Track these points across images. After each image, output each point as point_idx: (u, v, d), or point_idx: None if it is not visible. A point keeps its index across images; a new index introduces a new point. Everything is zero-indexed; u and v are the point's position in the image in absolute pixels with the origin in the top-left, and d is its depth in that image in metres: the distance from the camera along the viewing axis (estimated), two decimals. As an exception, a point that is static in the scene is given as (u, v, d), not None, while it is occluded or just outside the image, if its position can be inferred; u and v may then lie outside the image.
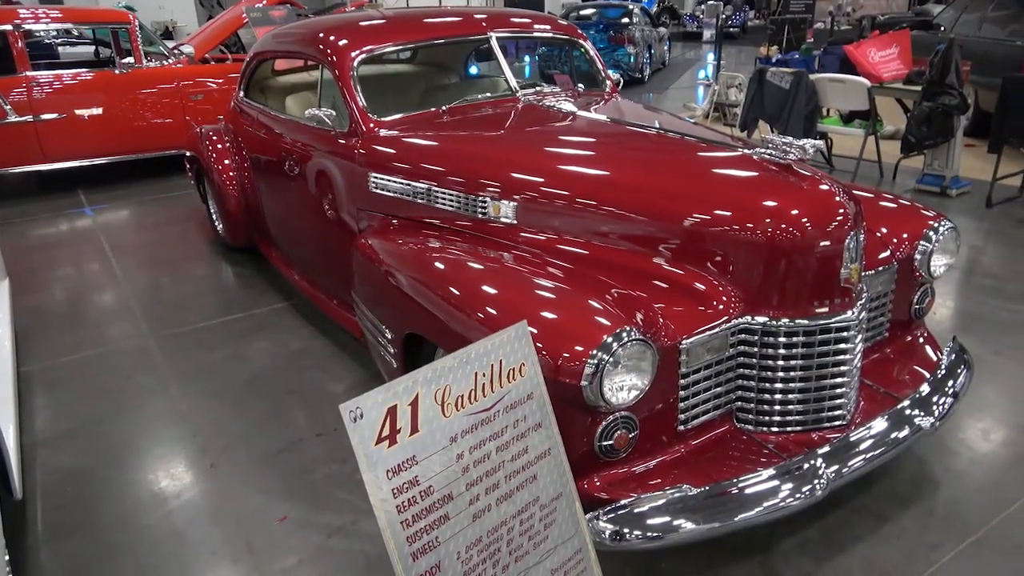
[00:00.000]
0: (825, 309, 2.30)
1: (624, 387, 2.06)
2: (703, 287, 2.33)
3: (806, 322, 2.29)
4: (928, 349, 2.89)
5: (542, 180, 2.72)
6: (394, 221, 3.15)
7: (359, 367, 3.47)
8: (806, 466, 2.20)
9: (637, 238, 2.47)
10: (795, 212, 2.27)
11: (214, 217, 5.21)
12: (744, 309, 2.30)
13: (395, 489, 1.64)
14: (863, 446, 2.32)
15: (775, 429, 2.40)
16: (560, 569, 1.94)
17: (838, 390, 2.38)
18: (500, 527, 1.82)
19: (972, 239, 5.19)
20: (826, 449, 2.28)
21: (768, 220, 2.27)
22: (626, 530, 2.04)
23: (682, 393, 2.25)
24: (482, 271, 2.49)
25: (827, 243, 2.25)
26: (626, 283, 2.32)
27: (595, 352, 2.00)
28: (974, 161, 6.65)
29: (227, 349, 3.80)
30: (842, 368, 2.36)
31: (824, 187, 2.33)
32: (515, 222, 2.74)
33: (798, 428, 2.41)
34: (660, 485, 2.17)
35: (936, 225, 2.79)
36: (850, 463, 2.26)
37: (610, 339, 2.02)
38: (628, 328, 2.06)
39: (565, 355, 2.02)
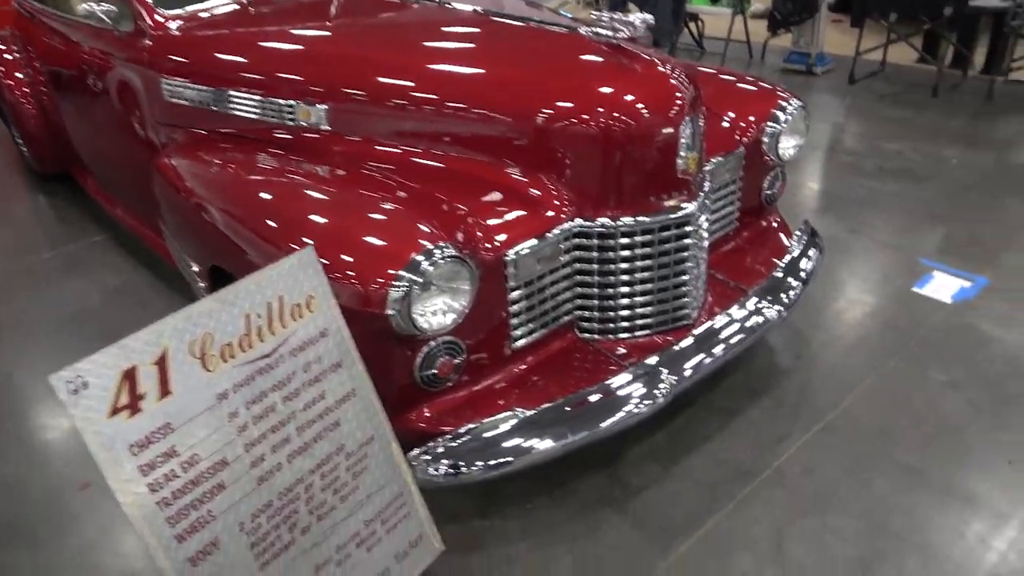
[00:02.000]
0: (663, 204, 2.11)
1: (439, 311, 1.83)
2: (529, 190, 2.09)
3: (643, 219, 2.09)
4: (781, 235, 2.79)
5: (351, 77, 2.36)
6: (197, 136, 2.73)
7: (186, 301, 3.10)
8: (647, 373, 2.07)
9: (457, 139, 2.19)
10: (622, 98, 2.03)
11: (18, 141, 4.54)
12: (576, 211, 2.08)
13: (144, 466, 1.36)
14: (709, 344, 2.20)
15: (620, 336, 2.25)
16: (376, 519, 1.74)
17: (682, 288, 2.23)
18: (295, 486, 1.59)
19: (834, 117, 5.17)
20: (669, 352, 2.15)
21: (593, 108, 2.02)
22: (455, 464, 1.85)
23: (513, 308, 2.04)
24: (281, 190, 2.16)
25: (659, 131, 2.03)
26: (446, 192, 2.05)
27: (401, 274, 1.74)
28: (839, 37, 6.62)
29: (36, 292, 3.34)
30: (685, 265, 2.21)
31: (655, 69, 2.09)
32: (328, 128, 2.39)
33: (643, 333, 2.26)
34: (494, 410, 1.99)
35: (784, 105, 2.62)
36: (694, 364, 2.14)
37: (419, 258, 1.77)
38: (440, 244, 1.80)
39: (366, 281, 1.75)
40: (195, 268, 2.48)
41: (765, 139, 2.59)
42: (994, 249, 3.35)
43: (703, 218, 2.28)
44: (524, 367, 2.13)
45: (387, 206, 1.98)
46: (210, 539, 1.46)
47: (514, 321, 2.06)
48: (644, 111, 2.02)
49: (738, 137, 2.54)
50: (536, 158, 2.11)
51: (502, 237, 1.97)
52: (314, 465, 1.63)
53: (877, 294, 3.06)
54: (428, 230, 1.85)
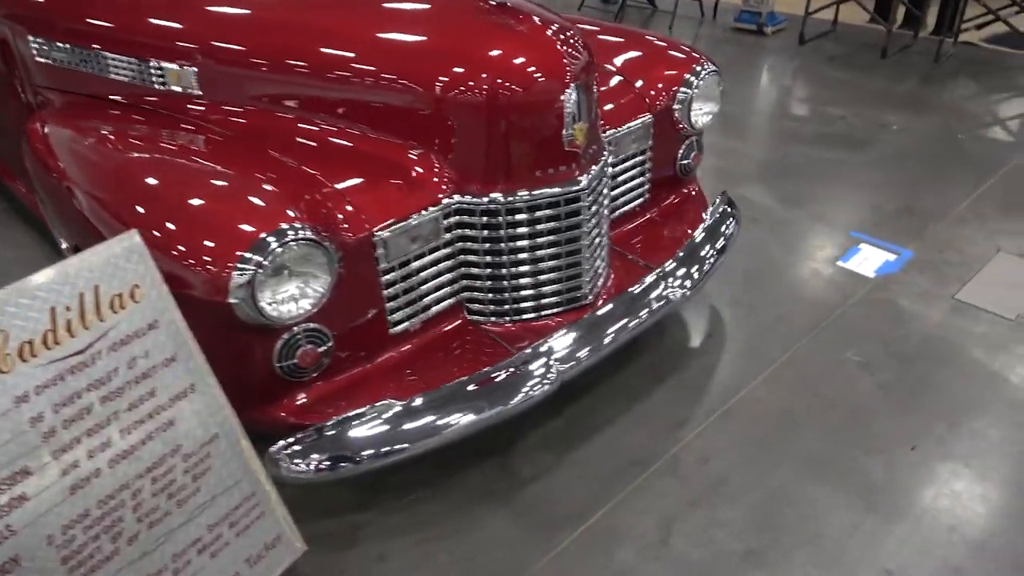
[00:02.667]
0: (550, 178, 1.96)
1: (292, 298, 1.68)
2: (407, 165, 1.94)
3: (528, 194, 1.95)
4: (697, 208, 2.67)
5: (220, 36, 2.16)
6: (69, 100, 2.53)
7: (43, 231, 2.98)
8: (535, 358, 1.95)
9: (333, 107, 2.02)
10: (502, 63, 1.87)
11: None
12: (458, 186, 1.94)
13: (-85, 481, 1.22)
14: (604, 327, 2.08)
15: (511, 319, 2.13)
16: (223, 522, 1.62)
17: (574, 268, 2.11)
18: (119, 492, 1.46)
19: (781, 79, 5.02)
20: (558, 336, 2.03)
21: (470, 74, 1.86)
22: (322, 459, 1.73)
23: (388, 292, 1.90)
24: (138, 163, 1.96)
25: (542, 100, 1.88)
26: (317, 166, 1.89)
27: (246, 257, 1.59)
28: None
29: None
30: (579, 244, 2.08)
31: (541, 32, 1.92)
32: (199, 94, 2.20)
33: (535, 315, 2.14)
34: (368, 400, 1.86)
35: (697, 69, 2.48)
36: (586, 349, 2.02)
37: (269, 239, 1.62)
38: (294, 225, 1.65)
39: (208, 265, 1.60)
40: (64, 245, 2.31)
41: (676, 106, 2.45)
42: (924, 220, 3.26)
43: (602, 192, 2.16)
44: (406, 353, 2.00)
45: (246, 182, 1.81)
46: (10, 555, 1.32)
47: (391, 305, 1.92)
48: (525, 78, 1.86)
49: (647, 104, 2.40)
50: (414, 129, 1.95)
51: (372, 216, 1.82)
52: (143, 469, 1.49)
53: (801, 269, 2.96)
54: (281, 209, 1.70)
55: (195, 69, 2.17)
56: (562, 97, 1.88)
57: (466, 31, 1.96)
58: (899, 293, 2.78)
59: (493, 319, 2.12)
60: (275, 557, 1.72)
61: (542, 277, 2.08)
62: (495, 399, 1.87)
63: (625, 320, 2.11)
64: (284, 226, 1.65)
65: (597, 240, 2.16)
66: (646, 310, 2.14)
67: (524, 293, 2.09)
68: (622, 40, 2.61)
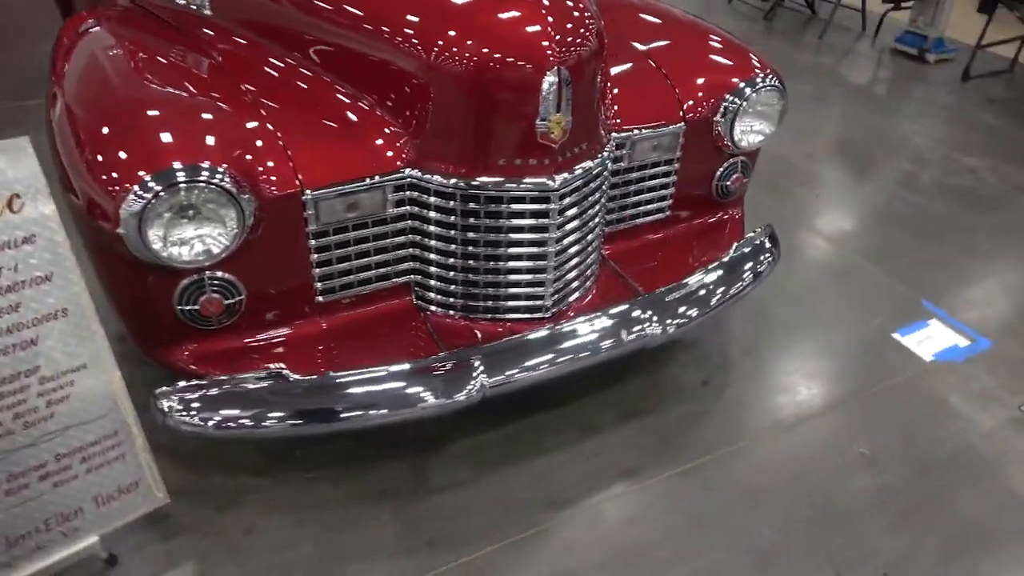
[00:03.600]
0: (517, 171, 1.74)
1: (191, 241, 1.58)
2: (368, 126, 1.78)
3: (488, 183, 1.74)
4: (730, 238, 2.34)
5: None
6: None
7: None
8: (460, 365, 1.75)
9: (318, 52, 1.88)
10: (483, 33, 1.65)
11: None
12: (415, 160, 1.76)
13: None
14: (555, 348, 1.85)
15: (458, 313, 1.94)
16: (74, 454, 1.56)
17: (534, 275, 1.88)
18: (-43, 401, 1.43)
19: (920, 113, 4.41)
20: (503, 345, 1.82)
21: (449, 38, 1.66)
22: (200, 413, 1.63)
23: (317, 257, 1.77)
24: (110, 67, 1.89)
25: (516, 81, 1.65)
26: (278, 109, 1.76)
27: (144, 184, 1.50)
28: (970, 22, 5.64)
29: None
30: (540, 249, 1.85)
31: (534, 5, 1.68)
32: (209, 13, 2.13)
33: (486, 315, 1.95)
34: (272, 363, 1.75)
35: (755, 79, 2.14)
36: (525, 367, 1.80)
37: (178, 173, 1.52)
38: (214, 167, 1.55)
39: (102, 190, 1.52)
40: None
41: (718, 118, 2.13)
42: (1021, 310, 2.73)
43: (593, 199, 1.91)
44: (333, 324, 1.87)
45: (196, 111, 1.72)
46: None
47: (320, 271, 1.79)
48: (503, 54, 1.64)
49: (682, 109, 2.10)
50: (384, 89, 1.78)
51: (309, 173, 1.68)
52: (-10, 382, 1.45)
53: (846, 330, 2.56)
54: (208, 147, 1.60)
55: (207, -12, 2.10)
56: (541, 83, 1.64)
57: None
58: (953, 387, 2.34)
59: (440, 310, 1.95)
60: (129, 502, 1.66)
61: (499, 278, 1.88)
62: (396, 401, 1.70)
63: (583, 346, 1.87)
64: (203, 164, 1.55)
65: (575, 249, 1.92)
66: (610, 341, 1.88)
67: (474, 291, 1.90)
68: (677, 29, 2.30)
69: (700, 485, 1.96)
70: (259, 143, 1.67)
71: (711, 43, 2.27)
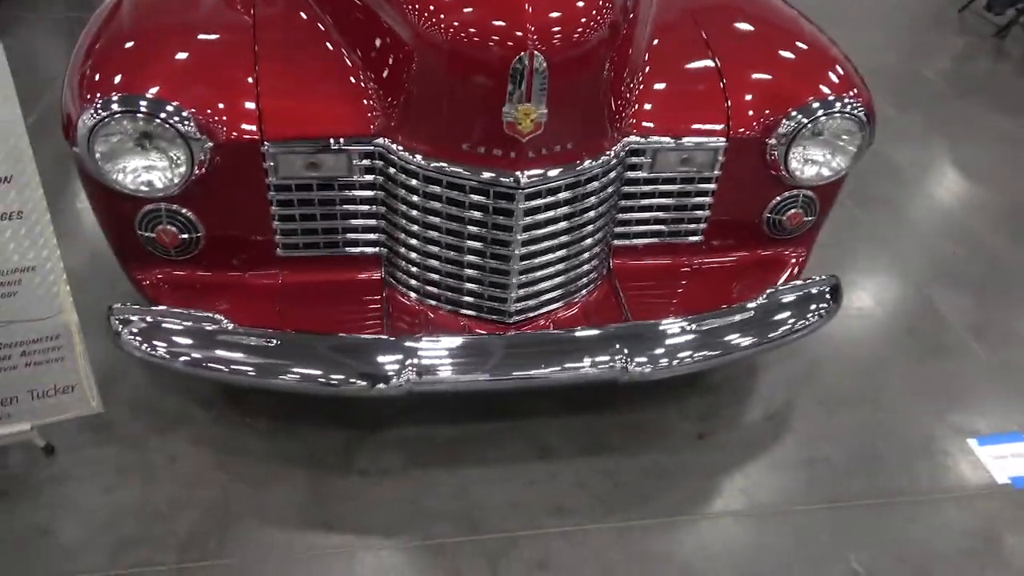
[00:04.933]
0: (483, 159, 1.58)
1: (139, 170, 1.60)
2: (351, 88, 1.70)
3: (443, 166, 1.60)
4: (779, 279, 2.01)
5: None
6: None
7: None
8: (394, 353, 1.65)
9: (327, 6, 1.82)
10: (461, 4, 1.50)
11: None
12: (384, 130, 1.65)
13: None
14: (502, 358, 1.69)
15: (420, 298, 1.84)
16: (16, 347, 1.67)
17: (497, 276, 1.73)
18: (-88, 279, 1.57)
19: None
20: (433, 343, 1.69)
21: (427, 7, 1.53)
22: (133, 336, 1.68)
23: (277, 210, 1.73)
24: (139, 5, 1.93)
25: (483, 61, 1.49)
26: (276, 57, 1.72)
27: (104, 103, 1.54)
28: None
29: None
30: (503, 250, 1.68)
31: None
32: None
33: (446, 306, 1.82)
34: (217, 306, 1.76)
35: (831, 99, 1.78)
36: (455, 370, 1.66)
37: (140, 102, 1.55)
38: (176, 106, 1.56)
39: (72, 103, 1.58)
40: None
41: (771, 140, 1.80)
42: None
43: (584, 205, 1.71)
44: (291, 280, 1.84)
45: (197, 46, 1.74)
46: None
47: (278, 224, 1.76)
48: (475, 29, 1.48)
49: (729, 121, 1.79)
50: (377, 54, 1.69)
51: (274, 125, 1.63)
52: (-57, 265, 1.58)
53: (907, 420, 2.11)
54: (179, 83, 1.61)
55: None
56: (505, 65, 1.46)
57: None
58: (1018, 521, 1.87)
59: (404, 290, 1.85)
60: (64, 403, 1.76)
61: (461, 271, 1.75)
62: (308, 376, 1.63)
63: (535, 363, 1.69)
64: (170, 103, 1.56)
65: (555, 256, 1.74)
66: (559, 367, 1.67)
67: (435, 278, 1.78)
68: (770, 26, 1.97)
69: (632, 549, 1.72)
70: (236, 88, 1.65)
71: (803, 48, 1.91)
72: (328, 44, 1.76)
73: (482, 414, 1.98)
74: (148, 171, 1.61)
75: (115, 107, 1.54)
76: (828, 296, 1.90)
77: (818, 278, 1.92)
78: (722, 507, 1.83)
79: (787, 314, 1.86)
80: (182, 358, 1.65)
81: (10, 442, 1.76)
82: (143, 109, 1.55)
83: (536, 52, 1.45)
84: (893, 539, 1.80)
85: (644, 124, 1.76)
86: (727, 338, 1.79)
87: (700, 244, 1.98)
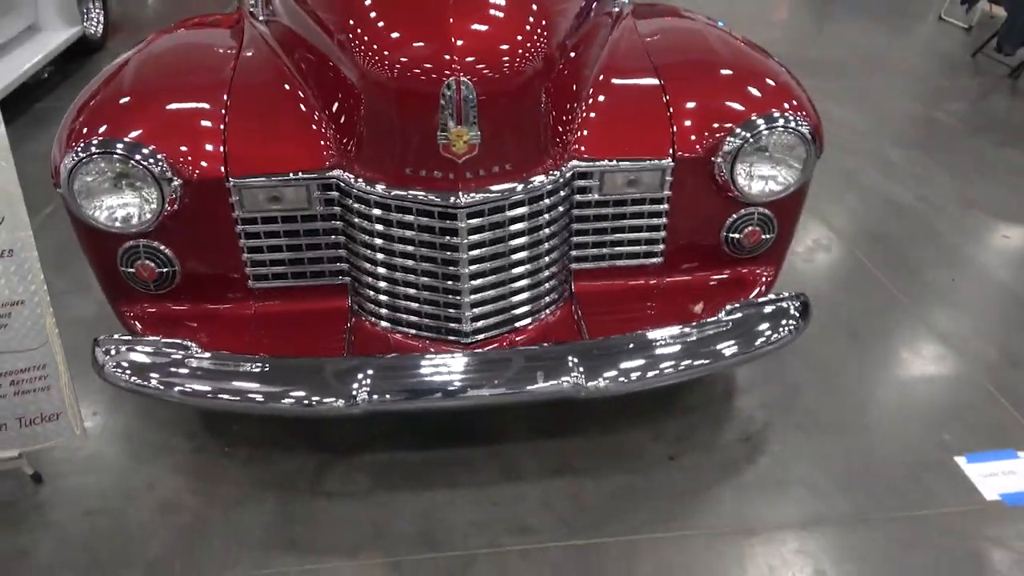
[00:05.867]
0: (426, 182, 1.68)
1: (114, 207, 1.75)
2: (311, 125, 1.82)
3: (382, 189, 1.70)
4: (740, 296, 2.01)
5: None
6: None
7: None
8: (352, 372, 1.72)
9: (309, 46, 1.96)
10: (393, 36, 1.63)
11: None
12: (343, 162, 1.77)
13: None
14: (460, 377, 1.73)
15: (382, 323, 1.91)
16: (6, 376, 1.80)
17: (449, 296, 1.79)
18: (-87, 310, 1.72)
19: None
20: (385, 361, 1.76)
21: (364, 43, 1.67)
22: (112, 365, 1.79)
23: (246, 243, 1.85)
24: (142, 57, 2.09)
25: (413, 87, 1.60)
26: (246, 96, 1.87)
27: (80, 150, 1.70)
28: None
29: None
30: (452, 269, 1.75)
31: (444, 11, 1.61)
32: (262, 18, 2.34)
33: (408, 329, 1.89)
34: (193, 335, 1.87)
35: (774, 115, 1.83)
36: (410, 389, 1.72)
37: (120, 145, 1.70)
38: (150, 150, 1.70)
39: (60, 146, 1.75)
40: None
41: (717, 158, 1.85)
42: None
43: (536, 225, 1.78)
44: (263, 310, 1.94)
45: (179, 88, 1.89)
46: None
47: (248, 256, 1.87)
48: (406, 58, 1.60)
49: (674, 142, 1.85)
50: (330, 88, 1.82)
51: (239, 162, 1.77)
52: (-59, 299, 1.73)
53: (894, 440, 2.05)
54: (159, 126, 1.76)
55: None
56: (438, 93, 1.57)
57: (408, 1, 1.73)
58: (1010, 541, 1.77)
59: (369, 317, 1.93)
60: (50, 430, 1.87)
61: (419, 292, 1.82)
62: (269, 395, 1.71)
63: (491, 381, 1.73)
64: (145, 147, 1.71)
65: (509, 274, 1.80)
66: (518, 388, 1.70)
67: (395, 302, 1.86)
68: (717, 51, 2.03)
69: (591, 568, 1.70)
70: (206, 133, 1.79)
71: (749, 71, 1.98)
72: (290, 87, 1.90)
73: (453, 439, 2.02)
74: (123, 207, 1.75)
75: (94, 149, 1.70)
76: (796, 312, 1.91)
77: (786, 296, 1.92)
78: (686, 527, 1.80)
79: (758, 329, 1.86)
80: (153, 382, 1.75)
81: (0, 469, 1.87)
82: (119, 151, 1.70)
83: (463, 79, 1.56)
84: (872, 558, 1.73)
85: (590, 147, 1.83)
86: (682, 355, 1.80)
87: (661, 265, 2.01)
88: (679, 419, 2.10)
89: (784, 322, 1.89)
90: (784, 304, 1.91)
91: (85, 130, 1.76)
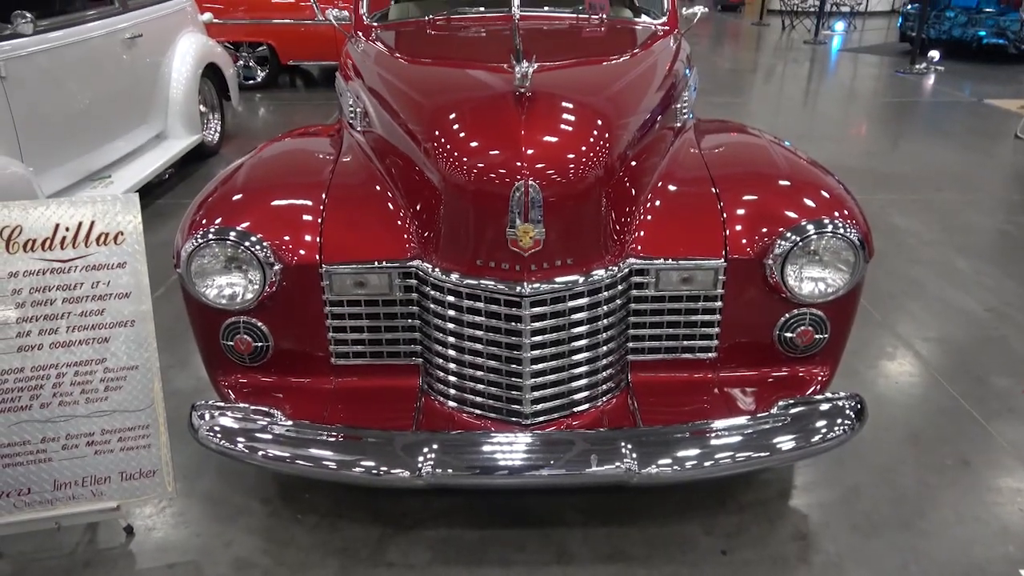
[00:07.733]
0: (494, 272, 1.85)
1: (217, 286, 1.99)
2: (395, 218, 2.05)
3: (464, 280, 1.88)
4: (793, 394, 2.06)
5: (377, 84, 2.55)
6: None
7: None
8: (415, 448, 1.86)
9: (399, 151, 2.23)
10: (467, 142, 1.87)
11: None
12: (422, 253, 1.98)
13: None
14: (518, 456, 1.85)
15: (449, 402, 2.05)
16: (115, 433, 2.02)
17: (511, 378, 1.93)
18: (49, 368, 1.97)
19: None
20: (462, 439, 1.89)
21: (443, 146, 1.91)
22: (206, 429, 1.99)
23: (332, 323, 2.05)
24: (258, 159, 2.43)
25: (485, 189, 1.80)
26: (344, 192, 2.13)
27: (199, 236, 1.96)
28: None
29: None
30: (515, 353, 1.90)
31: (515, 122, 1.84)
32: (359, 127, 2.65)
33: (473, 410, 2.02)
34: (281, 406, 2.06)
35: (823, 222, 1.95)
36: (474, 467, 1.84)
37: (229, 233, 1.96)
38: (258, 238, 1.95)
39: (183, 238, 2.02)
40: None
41: (770, 260, 1.97)
42: None
43: (595, 315, 1.92)
44: (343, 385, 2.12)
45: (283, 194, 2.16)
46: (-37, 370, 1.94)
47: (332, 335, 2.07)
48: (478, 163, 1.82)
49: (727, 243, 1.99)
50: (411, 187, 2.06)
51: (332, 251, 2.00)
52: (72, 361, 1.98)
53: (953, 546, 2.01)
54: (266, 217, 2.02)
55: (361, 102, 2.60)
56: (508, 194, 1.77)
57: (473, 108, 1.98)
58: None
59: (438, 396, 2.08)
60: (147, 485, 2.06)
61: (486, 375, 1.96)
62: (340, 463, 1.86)
63: (542, 463, 1.83)
64: (253, 235, 1.96)
65: (568, 360, 1.94)
66: (574, 469, 1.80)
67: (463, 383, 2.00)
68: (770, 162, 2.19)
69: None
70: (306, 222, 2.04)
71: (804, 182, 2.12)
72: (380, 188, 2.15)
73: (509, 520, 2.10)
74: (230, 287, 1.99)
75: (211, 236, 1.96)
76: (851, 412, 1.95)
77: (842, 396, 1.98)
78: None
79: (814, 427, 1.91)
80: (239, 446, 1.93)
81: (99, 519, 2.06)
82: (231, 238, 1.96)
83: (531, 182, 1.76)
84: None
85: (646, 246, 1.99)
86: (735, 446, 1.87)
87: (716, 360, 2.11)
88: (733, 515, 2.13)
89: (839, 421, 1.94)
90: (840, 403, 1.96)
91: (204, 220, 2.03)
